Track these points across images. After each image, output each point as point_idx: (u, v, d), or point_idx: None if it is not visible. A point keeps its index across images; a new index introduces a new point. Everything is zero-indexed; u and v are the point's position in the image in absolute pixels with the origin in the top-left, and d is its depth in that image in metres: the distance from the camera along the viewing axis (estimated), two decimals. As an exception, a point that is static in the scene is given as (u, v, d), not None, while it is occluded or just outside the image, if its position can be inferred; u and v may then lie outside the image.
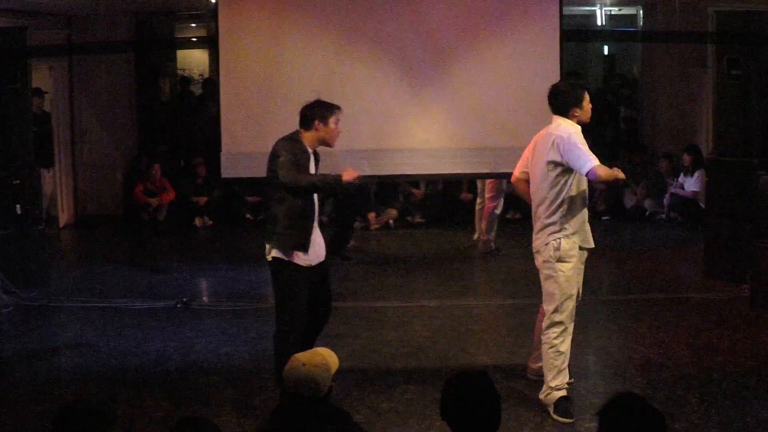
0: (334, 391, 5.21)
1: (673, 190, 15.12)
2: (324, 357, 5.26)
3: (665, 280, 11.61)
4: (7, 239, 10.81)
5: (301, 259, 7.33)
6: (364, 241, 13.82)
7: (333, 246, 13.16)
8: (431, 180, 14.80)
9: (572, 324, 7.38)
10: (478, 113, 10.36)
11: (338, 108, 7.64)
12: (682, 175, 15.01)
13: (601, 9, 17.10)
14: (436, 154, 11.29)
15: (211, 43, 14.20)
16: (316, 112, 7.54)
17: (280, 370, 7.24)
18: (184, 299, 10.71)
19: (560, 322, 7.29)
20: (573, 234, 7.28)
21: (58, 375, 8.52)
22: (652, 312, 10.04)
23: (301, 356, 5.25)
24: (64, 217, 15.53)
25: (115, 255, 13.78)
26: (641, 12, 17.12)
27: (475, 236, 13.31)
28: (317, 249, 7.45)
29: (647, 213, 15.53)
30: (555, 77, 10.60)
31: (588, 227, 7.39)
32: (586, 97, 7.38)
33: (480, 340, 9.27)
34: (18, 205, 11.04)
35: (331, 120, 7.52)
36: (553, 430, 7.05)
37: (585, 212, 7.35)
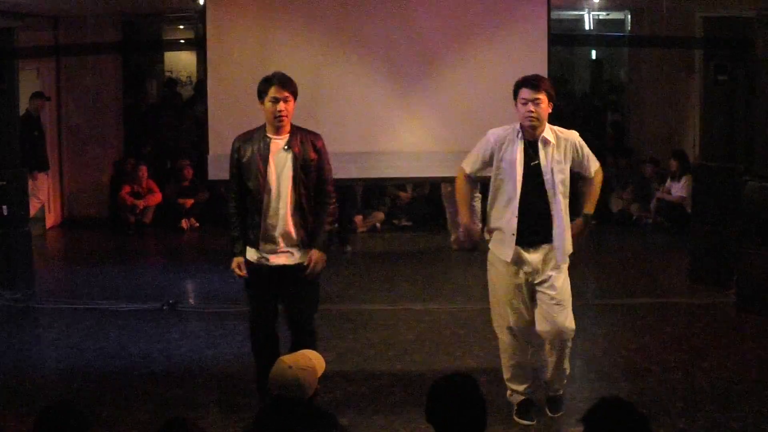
0: (319, 393, 5.21)
1: (659, 195, 15.14)
2: (310, 359, 5.26)
3: (651, 285, 11.63)
4: (-9, 241, 10.78)
5: (252, 254, 7.15)
6: (351, 244, 13.80)
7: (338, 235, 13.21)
8: (418, 183, 14.79)
9: (506, 338, 7.29)
10: (464, 117, 10.38)
11: (275, 81, 7.01)
12: (668, 180, 15.03)
13: (589, 13, 17.15)
14: (422, 158, 11.31)
15: (198, 45, 14.20)
16: (258, 89, 7.12)
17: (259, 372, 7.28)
18: (170, 301, 10.69)
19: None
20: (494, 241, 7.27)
21: (42, 376, 8.50)
22: (638, 317, 10.05)
23: (288, 359, 5.25)
24: (50, 219, 15.48)
25: (100, 257, 13.76)
26: (629, 17, 17.15)
27: (452, 238, 13.29)
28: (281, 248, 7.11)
29: (633, 218, 15.54)
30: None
31: (507, 237, 7.11)
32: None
33: (465, 343, 9.26)
34: (4, 207, 11.01)
35: (267, 98, 7.03)
36: (539, 434, 7.08)
37: (506, 219, 7.14)
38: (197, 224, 15.66)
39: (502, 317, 7.27)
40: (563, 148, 7.13)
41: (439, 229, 14.63)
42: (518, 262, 7.10)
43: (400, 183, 14.87)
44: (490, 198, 7.22)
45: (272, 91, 6.98)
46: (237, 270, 7.17)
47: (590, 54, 19.95)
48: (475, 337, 9.48)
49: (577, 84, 19.54)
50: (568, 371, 7.40)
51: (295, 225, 7.07)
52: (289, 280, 7.14)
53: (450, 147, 11.19)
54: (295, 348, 6.92)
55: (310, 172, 7.09)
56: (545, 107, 7.06)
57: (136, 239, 15.00)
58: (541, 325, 7.13)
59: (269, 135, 7.08)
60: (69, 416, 4.55)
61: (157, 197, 15.48)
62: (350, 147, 10.82)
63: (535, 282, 7.12)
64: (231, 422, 7.23)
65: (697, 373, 8.22)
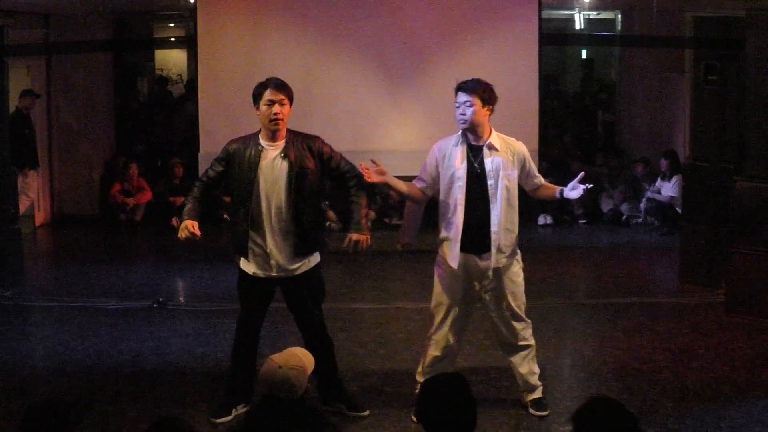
0: (310, 392, 5.21)
1: (650, 194, 15.16)
2: (300, 359, 5.26)
3: (641, 285, 11.66)
4: (-19, 238, 10.77)
5: (245, 264, 7.16)
6: (341, 242, 13.79)
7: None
8: (409, 182, 14.78)
9: (440, 339, 7.31)
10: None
11: (271, 84, 6.98)
12: (659, 179, 15.05)
13: (580, 13, 17.17)
14: (414, 156, 11.26)
15: (189, 43, 14.17)
16: (253, 94, 7.08)
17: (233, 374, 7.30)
18: (160, 299, 10.68)
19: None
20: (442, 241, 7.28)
21: (32, 374, 8.48)
22: (628, 316, 10.06)
23: (277, 358, 5.24)
24: (40, 216, 15.46)
25: (91, 254, 13.75)
26: (620, 16, 17.19)
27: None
28: (273, 259, 7.06)
29: (624, 217, 15.57)
30: (534, 80, 10.67)
31: (453, 244, 7.17)
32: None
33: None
34: (-8, 204, 11.02)
35: (262, 101, 6.98)
36: (529, 433, 7.08)
37: (452, 222, 7.19)
38: (188, 222, 15.63)
39: (438, 320, 7.37)
40: (511, 155, 7.13)
41: (429, 228, 14.62)
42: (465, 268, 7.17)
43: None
44: (440, 206, 7.26)
45: (267, 94, 6.92)
46: (184, 232, 7.29)
47: (581, 53, 19.98)
48: (465, 337, 9.47)
49: (568, 83, 19.56)
50: (536, 372, 7.44)
51: (288, 234, 7.02)
52: (287, 289, 7.18)
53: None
54: (316, 348, 6.88)
55: (306, 177, 6.98)
56: (479, 110, 7.03)
57: (127, 237, 14.99)
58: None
59: (262, 143, 7.02)
60: (55, 414, 4.55)
61: (147, 195, 15.48)
62: (342, 146, 10.64)
63: (485, 289, 7.21)
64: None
65: (686, 373, 8.23)
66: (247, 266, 7.11)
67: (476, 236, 7.06)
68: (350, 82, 11.01)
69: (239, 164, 7.03)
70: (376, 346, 9.09)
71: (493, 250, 7.06)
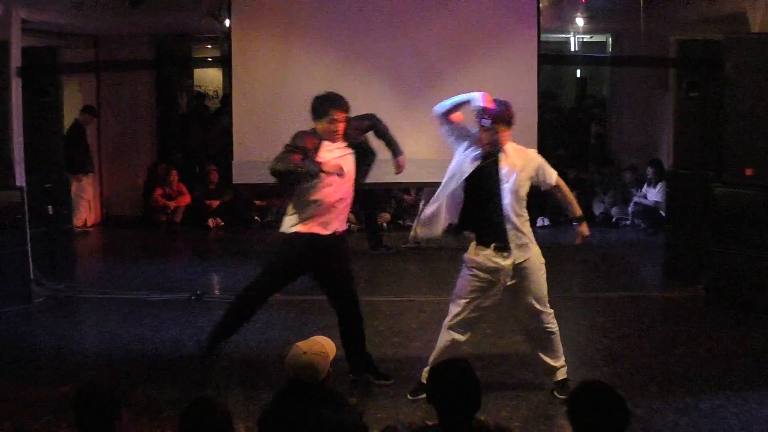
0: (331, 376, 5.21)
1: (637, 199, 15.13)
2: (323, 346, 5.25)
3: (629, 280, 11.64)
4: (39, 237, 10.78)
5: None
6: (361, 242, 13.81)
7: (370, 242, 13.25)
8: (420, 187, 14.78)
9: (452, 330, 7.27)
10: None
11: (336, 105, 7.19)
12: (645, 185, 15.02)
13: (574, 36, 17.13)
14: (424, 164, 11.26)
15: (224, 62, 14.18)
16: (313, 105, 7.27)
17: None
18: (198, 292, 10.70)
19: None
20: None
21: (82, 359, 8.51)
22: (617, 308, 10.04)
23: (302, 345, 5.24)
24: (90, 217, 15.50)
25: (135, 252, 13.78)
26: (610, 39, 17.18)
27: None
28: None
29: (614, 219, 15.54)
30: (533, 96, 10.66)
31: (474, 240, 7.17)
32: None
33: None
34: (49, 206, 11.03)
35: (326, 118, 7.19)
36: (528, 413, 7.06)
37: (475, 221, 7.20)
38: (222, 223, 15.68)
39: (452, 313, 7.33)
40: (525, 162, 7.19)
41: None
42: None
43: (405, 187, 14.89)
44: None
45: (333, 113, 7.17)
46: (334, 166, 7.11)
47: (576, 72, 19.92)
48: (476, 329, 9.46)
49: (564, 99, 19.50)
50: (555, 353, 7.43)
51: None
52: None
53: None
54: (349, 325, 7.24)
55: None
56: (503, 134, 7.08)
57: (167, 237, 15.02)
58: None
59: (321, 137, 7.26)
60: (103, 395, 4.56)
61: (186, 199, 15.51)
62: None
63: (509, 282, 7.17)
64: (252, 401, 7.22)
65: (669, 360, 8.21)
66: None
67: (498, 233, 7.03)
68: (368, 96, 10.96)
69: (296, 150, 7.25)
70: (390, 335, 9.08)
71: (512, 246, 7.04)
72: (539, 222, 15.09)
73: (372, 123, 7.64)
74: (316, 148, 7.14)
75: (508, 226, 7.03)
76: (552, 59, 15.92)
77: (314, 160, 7.02)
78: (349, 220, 14.17)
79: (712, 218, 10.20)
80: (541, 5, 11.01)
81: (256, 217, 15.70)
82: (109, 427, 4.51)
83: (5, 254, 10.07)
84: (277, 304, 10.20)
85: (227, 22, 11.54)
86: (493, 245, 7.04)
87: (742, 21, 10.69)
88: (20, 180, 10.58)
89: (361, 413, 5.45)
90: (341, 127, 7.20)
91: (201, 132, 17.39)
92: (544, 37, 12.06)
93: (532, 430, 6.73)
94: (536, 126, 11.19)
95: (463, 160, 7.14)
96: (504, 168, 7.06)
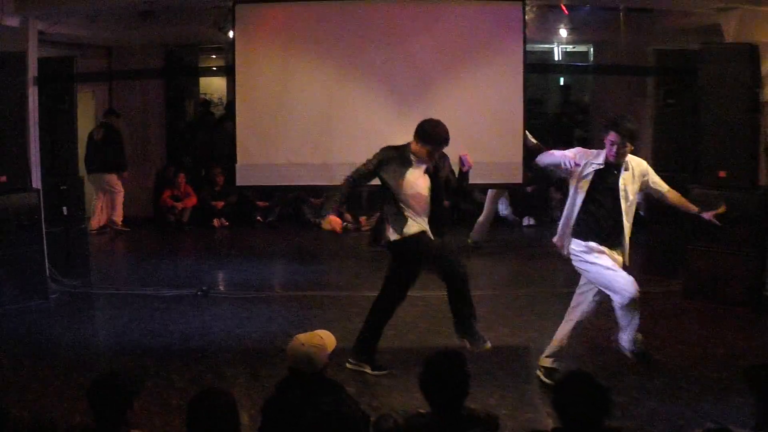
0: (330, 367, 5.21)
1: (618, 199, 15.11)
2: (321, 338, 5.27)
3: (611, 276, 11.62)
4: (54, 236, 10.78)
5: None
6: (358, 241, 13.81)
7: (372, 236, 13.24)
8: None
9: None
10: (454, 132, 10.35)
11: (436, 141, 7.87)
12: (626, 187, 15.00)
13: (558, 46, 17.16)
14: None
15: (228, 71, 14.16)
16: (417, 130, 7.81)
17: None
18: (204, 288, 10.70)
19: None
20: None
21: (96, 351, 8.52)
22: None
23: (302, 337, 5.27)
24: (102, 218, 15.47)
25: (145, 250, 13.77)
26: (592, 49, 17.18)
27: (469, 240, 13.27)
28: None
29: (596, 219, 15.50)
30: (519, 103, 10.65)
31: None
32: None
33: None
34: (64, 207, 11.03)
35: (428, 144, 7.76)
36: (515, 402, 7.07)
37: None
38: (227, 223, 15.68)
39: None
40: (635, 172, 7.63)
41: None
42: None
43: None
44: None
45: (436, 147, 7.90)
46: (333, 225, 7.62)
47: (560, 80, 19.93)
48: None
49: (549, 105, 19.50)
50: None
51: None
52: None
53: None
54: (457, 295, 7.46)
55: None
56: (628, 150, 7.48)
57: (175, 235, 15.00)
58: None
59: (412, 156, 8.01)
60: (116, 385, 4.56)
61: (193, 200, 15.50)
62: (357, 158, 10.71)
63: None
64: (255, 391, 7.24)
65: (648, 350, 8.21)
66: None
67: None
68: (365, 105, 10.96)
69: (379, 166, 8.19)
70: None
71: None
72: (525, 221, 15.09)
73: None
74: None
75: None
76: (537, 68, 15.94)
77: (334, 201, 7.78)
78: (345, 220, 14.23)
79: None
80: (527, 17, 10.99)
81: (259, 218, 15.70)
82: (122, 416, 4.52)
83: (23, 253, 10.06)
84: (281, 299, 10.23)
85: (231, 34, 11.52)
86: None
87: (716, 32, 10.71)
88: (37, 182, 10.59)
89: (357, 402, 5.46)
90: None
91: (207, 137, 17.36)
92: (529, 47, 12.04)
93: (519, 418, 6.74)
94: (522, 131, 11.18)
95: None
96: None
